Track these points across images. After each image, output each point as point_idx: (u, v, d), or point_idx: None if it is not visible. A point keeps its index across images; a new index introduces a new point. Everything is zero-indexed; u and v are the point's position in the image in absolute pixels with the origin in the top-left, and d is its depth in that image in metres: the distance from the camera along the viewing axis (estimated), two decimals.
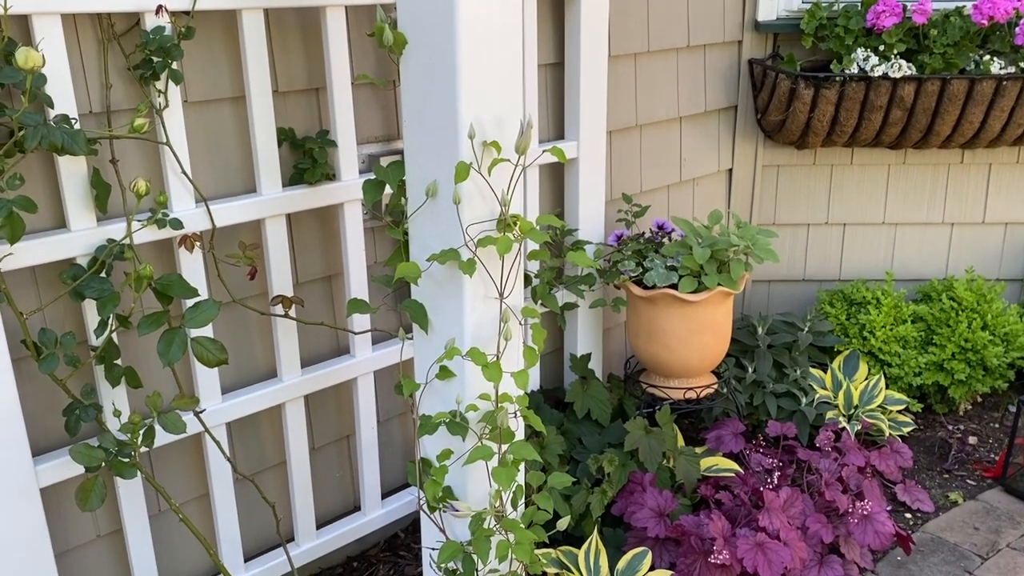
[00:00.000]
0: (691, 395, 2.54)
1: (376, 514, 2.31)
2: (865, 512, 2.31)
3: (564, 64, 2.46)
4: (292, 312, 1.99)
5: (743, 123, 3.07)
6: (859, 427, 2.69)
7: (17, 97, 1.58)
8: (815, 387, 2.80)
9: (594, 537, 2.12)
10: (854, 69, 2.75)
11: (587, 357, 2.60)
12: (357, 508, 2.36)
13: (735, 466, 2.44)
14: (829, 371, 2.87)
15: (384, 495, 2.38)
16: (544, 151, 1.82)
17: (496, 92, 1.51)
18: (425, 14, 1.46)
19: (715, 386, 2.59)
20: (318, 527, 2.25)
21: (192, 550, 2.07)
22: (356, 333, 2.10)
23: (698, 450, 2.46)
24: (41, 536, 1.68)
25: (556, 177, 2.58)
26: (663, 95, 2.80)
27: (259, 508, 2.17)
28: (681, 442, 2.52)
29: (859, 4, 2.79)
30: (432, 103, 1.50)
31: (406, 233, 1.68)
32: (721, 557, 2.02)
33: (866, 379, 2.87)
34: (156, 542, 1.99)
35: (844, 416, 2.74)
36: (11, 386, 1.59)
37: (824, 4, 2.85)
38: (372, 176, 1.79)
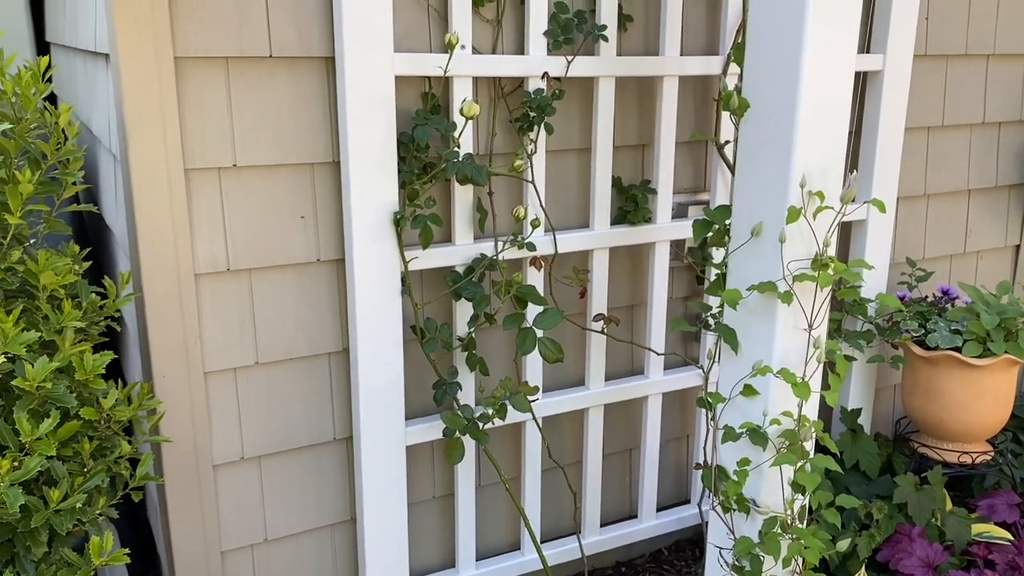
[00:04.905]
0: (965, 459, 2.57)
1: (650, 523, 2.57)
2: None
3: (860, 132, 2.66)
4: (607, 330, 2.33)
5: None
6: None
7: (433, 139, 2.05)
8: None
9: (861, 572, 2.23)
10: None
11: (858, 411, 2.72)
12: (632, 516, 2.63)
13: (1008, 535, 2.44)
14: None
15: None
16: (864, 202, 2.04)
17: (823, 149, 1.76)
18: (770, 88, 1.76)
19: (990, 454, 2.60)
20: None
21: (496, 524, 2.44)
22: (659, 354, 2.40)
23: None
24: (402, 485, 2.11)
25: (840, 235, 2.76)
26: (953, 167, 2.90)
27: (549, 498, 2.50)
28: (949, 505, 2.55)
29: None
30: (766, 156, 1.79)
31: (718, 267, 1.96)
32: None
33: None
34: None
35: None
36: (400, 360, 2.04)
37: None
38: (682, 221, 2.11)
